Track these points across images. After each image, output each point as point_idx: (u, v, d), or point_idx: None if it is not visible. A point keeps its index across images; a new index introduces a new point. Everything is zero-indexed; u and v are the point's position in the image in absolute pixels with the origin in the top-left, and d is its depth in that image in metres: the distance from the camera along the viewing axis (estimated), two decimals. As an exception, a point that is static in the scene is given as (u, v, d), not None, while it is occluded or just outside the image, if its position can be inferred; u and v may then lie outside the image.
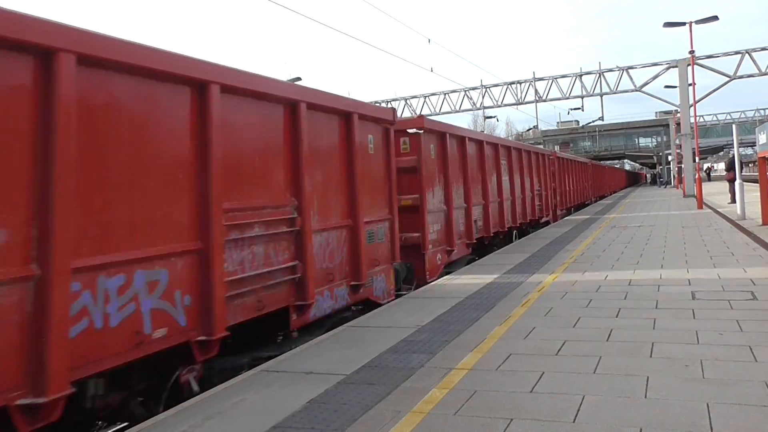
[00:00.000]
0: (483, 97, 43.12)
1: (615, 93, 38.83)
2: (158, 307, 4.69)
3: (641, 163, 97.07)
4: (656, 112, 73.55)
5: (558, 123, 74.88)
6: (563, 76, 40.68)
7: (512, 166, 16.05)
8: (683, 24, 28.28)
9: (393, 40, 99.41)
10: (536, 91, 41.20)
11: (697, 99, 29.68)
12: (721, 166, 64.96)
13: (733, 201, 20.57)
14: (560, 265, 10.44)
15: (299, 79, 28.51)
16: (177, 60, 4.98)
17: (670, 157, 56.07)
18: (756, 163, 26.35)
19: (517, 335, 5.88)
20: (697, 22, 28.13)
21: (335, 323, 7.21)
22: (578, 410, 3.91)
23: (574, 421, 3.74)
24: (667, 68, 35.94)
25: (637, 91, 37.51)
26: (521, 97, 41.94)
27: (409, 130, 10.25)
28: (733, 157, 20.23)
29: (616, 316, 6.42)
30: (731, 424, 3.57)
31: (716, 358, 4.78)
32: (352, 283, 7.53)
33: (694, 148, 30.60)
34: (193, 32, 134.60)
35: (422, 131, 10.29)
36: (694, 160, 30.06)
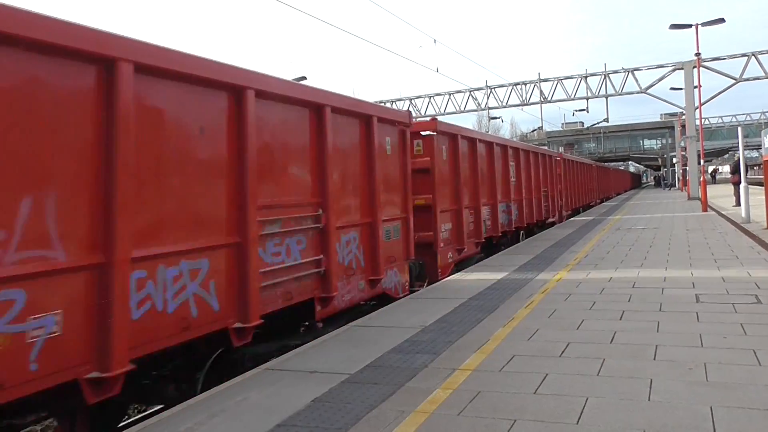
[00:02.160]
0: (488, 98, 43.08)
1: (620, 94, 38.70)
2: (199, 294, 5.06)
3: (646, 165, 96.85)
4: (661, 114, 73.31)
5: (563, 124, 74.79)
6: (568, 78, 40.60)
7: (520, 167, 16.17)
8: (689, 26, 28.19)
9: (399, 40, 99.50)
10: (541, 92, 41.13)
11: (702, 101, 29.61)
12: (726, 169, 64.84)
13: (738, 204, 20.50)
14: (564, 266, 10.43)
15: (305, 78, 28.54)
16: (217, 67, 5.27)
17: (675, 159, 55.92)
18: (761, 166, 26.26)
19: (521, 337, 5.88)
20: (704, 24, 28.04)
21: (354, 316, 7.47)
22: (582, 412, 3.92)
23: (577, 423, 3.75)
24: (673, 70, 35.84)
25: (642, 92, 37.40)
26: (526, 98, 41.87)
27: (422, 132, 10.46)
28: (739, 159, 20.17)
29: (620, 319, 6.42)
30: (734, 427, 3.57)
31: (720, 362, 4.79)
32: (371, 278, 7.89)
33: (699, 151, 30.52)
34: (198, 30, 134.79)
35: (435, 133, 10.49)
36: (699, 163, 29.97)
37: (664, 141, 67.16)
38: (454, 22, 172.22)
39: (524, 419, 3.84)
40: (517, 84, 42.16)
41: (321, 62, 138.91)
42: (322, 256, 6.72)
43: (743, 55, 34.62)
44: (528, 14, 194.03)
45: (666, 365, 4.77)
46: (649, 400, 4.07)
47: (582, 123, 69.63)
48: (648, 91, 37.04)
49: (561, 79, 40.71)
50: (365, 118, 7.87)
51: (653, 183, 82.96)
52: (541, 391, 4.35)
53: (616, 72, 38.63)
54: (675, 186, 54.27)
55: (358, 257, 7.62)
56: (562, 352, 5.29)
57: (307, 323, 6.91)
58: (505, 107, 43.30)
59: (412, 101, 45.31)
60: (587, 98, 40.15)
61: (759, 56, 34.25)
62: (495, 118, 56.43)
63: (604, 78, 38.88)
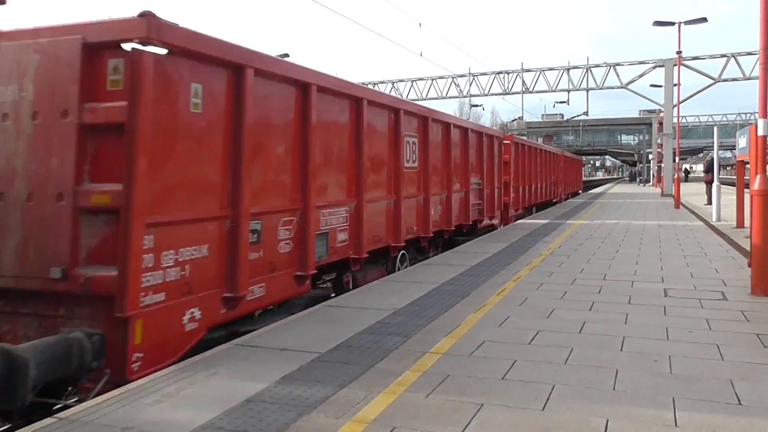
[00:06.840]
0: (470, 85, 43.15)
1: (601, 89, 39.11)
2: None
3: (622, 160, 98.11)
4: (640, 110, 74.30)
5: (543, 115, 75.21)
6: (551, 69, 40.86)
7: (428, 147, 10.79)
8: (672, 24, 28.50)
9: (383, 21, 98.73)
10: (523, 81, 41.33)
11: (681, 99, 30.00)
12: (699, 168, 65.93)
13: (710, 203, 20.89)
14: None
15: (287, 55, 28.14)
16: None
17: (650, 156, 56.73)
18: (734, 167, 26.74)
19: None
20: (686, 22, 28.37)
21: None
22: (548, 398, 3.95)
23: (543, 409, 3.80)
24: (654, 67, 36.25)
25: (622, 88, 37.83)
26: (508, 87, 42.07)
27: (124, 46, 4.70)
28: (712, 159, 20.51)
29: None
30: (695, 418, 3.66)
31: (684, 355, 4.89)
32: None
33: (674, 148, 30.98)
34: (182, 2, 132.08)
35: (166, 51, 4.85)
36: (674, 160, 30.44)
37: (641, 137, 68.00)
38: (440, 6, 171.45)
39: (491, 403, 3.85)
40: (500, 73, 42.31)
41: (305, 41, 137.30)
42: None
43: (723, 56, 35.15)
44: (513, 3, 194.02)
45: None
46: (614, 389, 4.14)
47: (562, 115, 70.06)
48: (628, 86, 37.46)
49: (543, 70, 40.96)
50: None
51: (627, 178, 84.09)
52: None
53: (598, 66, 39.00)
54: (650, 182, 55.11)
55: None
56: None
57: None
58: (486, 95, 43.50)
59: (395, 84, 45.18)
60: (568, 90, 40.50)
61: (738, 57, 34.80)
62: (476, 105, 56.65)
63: (586, 71, 39.20)
